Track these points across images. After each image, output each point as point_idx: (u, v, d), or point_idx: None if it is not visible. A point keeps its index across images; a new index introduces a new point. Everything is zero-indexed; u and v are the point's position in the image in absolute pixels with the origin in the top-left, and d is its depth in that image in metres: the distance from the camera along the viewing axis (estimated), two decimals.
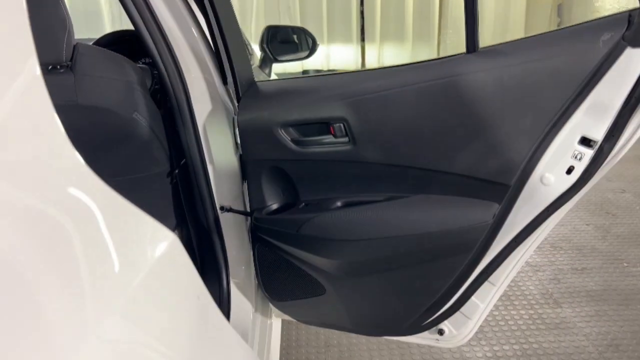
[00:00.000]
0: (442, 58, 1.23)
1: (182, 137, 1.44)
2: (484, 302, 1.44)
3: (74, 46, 1.29)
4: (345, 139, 1.30)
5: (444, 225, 1.28)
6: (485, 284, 1.38)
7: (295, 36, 2.43)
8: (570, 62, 1.18)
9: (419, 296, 1.43)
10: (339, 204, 1.39)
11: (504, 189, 1.24)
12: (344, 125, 1.29)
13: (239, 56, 1.36)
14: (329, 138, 1.31)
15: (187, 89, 1.40)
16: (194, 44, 1.42)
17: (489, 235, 1.29)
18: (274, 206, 1.44)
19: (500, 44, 1.24)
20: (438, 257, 1.34)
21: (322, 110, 1.31)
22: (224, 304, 1.57)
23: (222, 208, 1.51)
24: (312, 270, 1.49)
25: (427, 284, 1.40)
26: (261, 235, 1.49)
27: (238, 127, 1.38)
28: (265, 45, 2.34)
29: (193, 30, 1.42)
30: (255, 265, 1.58)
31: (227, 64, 1.43)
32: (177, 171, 1.55)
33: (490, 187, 1.25)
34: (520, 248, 1.32)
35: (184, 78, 1.39)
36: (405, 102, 1.23)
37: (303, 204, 1.43)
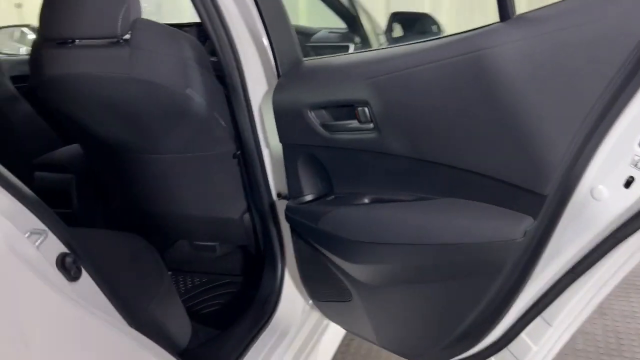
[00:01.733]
0: (472, 30, 1.01)
1: (236, 118, 1.41)
2: (537, 344, 1.20)
3: (134, 21, 1.27)
4: (370, 125, 1.15)
5: (467, 237, 1.08)
6: (538, 321, 1.16)
7: (420, 22, 2.42)
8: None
9: (446, 319, 1.25)
10: (365, 199, 1.26)
11: (539, 199, 0.99)
12: (368, 110, 1.14)
13: (281, 33, 1.28)
14: (354, 123, 1.18)
15: (242, 66, 1.35)
16: (250, 21, 1.35)
17: (526, 256, 1.06)
18: (309, 196, 1.36)
19: (542, 7, 0.96)
20: (461, 274, 1.16)
21: (345, 91, 1.17)
22: (274, 295, 1.53)
23: (279, 195, 1.46)
24: (338, 271, 1.39)
25: (453, 305, 1.22)
26: (293, 226, 1.42)
27: (273, 108, 1.29)
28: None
29: (250, 5, 1.35)
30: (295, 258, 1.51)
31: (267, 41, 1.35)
32: (239, 153, 1.51)
33: (522, 196, 1.00)
34: (583, 283, 1.07)
35: (238, 55, 1.34)
36: (428, 82, 1.03)
37: (333, 196, 1.33)
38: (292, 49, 1.29)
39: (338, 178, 1.30)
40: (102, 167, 1.76)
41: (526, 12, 0.95)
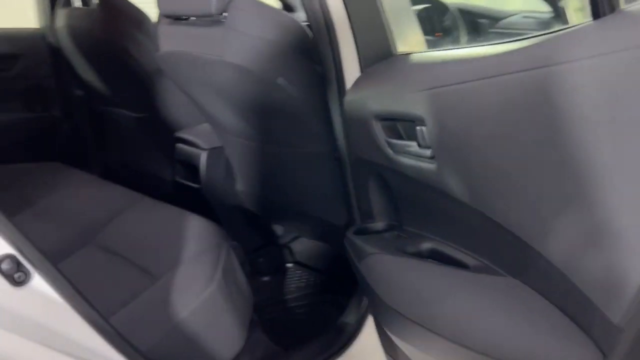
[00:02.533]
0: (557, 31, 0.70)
1: (330, 115, 1.20)
2: None
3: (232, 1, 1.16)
4: (428, 152, 0.89)
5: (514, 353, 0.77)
6: None
7: None
8: None
9: None
10: (428, 247, 0.98)
11: (611, 329, 0.67)
12: (425, 130, 0.87)
13: (366, 22, 1.02)
14: (414, 146, 0.92)
15: (339, 55, 1.14)
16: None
17: None
18: (378, 225, 1.07)
19: None
20: None
21: (402, 101, 0.91)
22: (352, 326, 1.33)
23: None
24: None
25: None
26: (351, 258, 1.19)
27: (343, 110, 1.10)
28: None
29: None
30: None
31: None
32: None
33: (593, 314, 0.70)
34: None
35: (336, 41, 1.13)
36: (489, 102, 0.73)
37: (400, 233, 1.08)
38: (380, 38, 1.02)
39: (406, 210, 1.03)
40: (224, 148, 1.74)
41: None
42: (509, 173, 0.72)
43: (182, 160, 1.90)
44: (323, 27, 1.15)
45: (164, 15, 1.41)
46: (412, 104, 0.87)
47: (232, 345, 1.25)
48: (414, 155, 0.93)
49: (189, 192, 1.91)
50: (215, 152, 1.84)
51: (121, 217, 1.56)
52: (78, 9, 1.97)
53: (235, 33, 1.26)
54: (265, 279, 1.95)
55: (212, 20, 1.30)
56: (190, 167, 1.89)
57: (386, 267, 0.98)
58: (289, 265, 1.99)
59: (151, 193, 2.30)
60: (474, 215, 0.83)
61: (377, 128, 0.97)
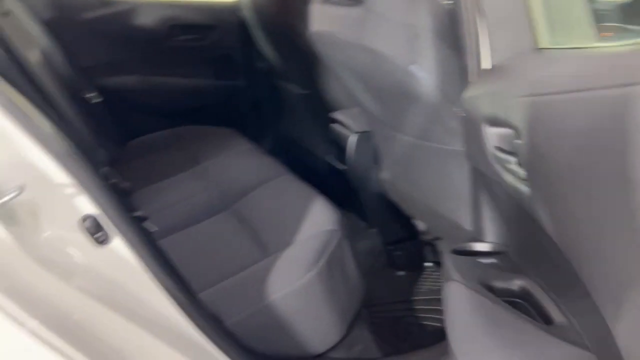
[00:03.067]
0: None
1: None
2: None
3: None
4: (521, 172, 0.74)
5: None
6: None
7: None
8: None
9: None
10: (515, 282, 0.82)
11: None
12: (520, 144, 0.71)
13: (506, 6, 0.84)
14: (514, 162, 0.77)
15: (478, 44, 1.01)
16: None
17: None
18: (483, 246, 0.90)
19: None
20: None
21: (507, 107, 0.75)
22: None
23: None
24: None
25: None
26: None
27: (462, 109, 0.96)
28: None
29: None
30: None
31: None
32: None
33: None
34: None
35: (476, 30, 1.00)
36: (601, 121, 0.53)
37: (496, 260, 0.87)
38: (520, 26, 0.86)
39: (512, 235, 0.85)
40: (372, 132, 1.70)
41: None
42: (600, 227, 0.54)
43: (334, 140, 1.90)
44: (468, 9, 1.01)
45: None
46: (513, 110, 0.71)
47: (325, 337, 1.22)
48: (513, 173, 0.77)
49: (335, 173, 1.91)
50: (364, 136, 1.80)
51: (260, 189, 1.62)
52: None
53: (374, 15, 1.19)
54: (400, 273, 1.88)
55: (355, 0, 1.25)
56: (340, 148, 1.88)
57: (460, 301, 0.84)
58: (428, 264, 1.87)
59: (304, 169, 2.38)
60: (565, 262, 0.65)
61: (486, 134, 0.83)
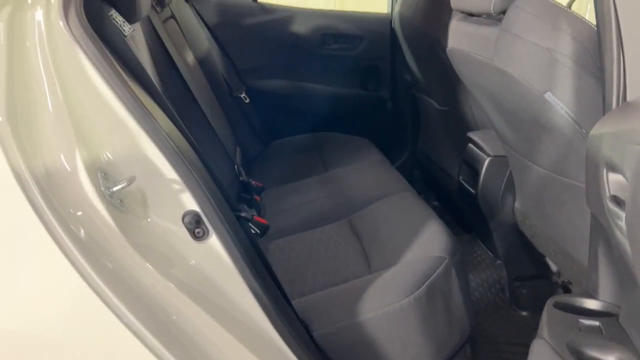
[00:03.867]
0: None
1: None
2: None
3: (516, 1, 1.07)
4: (622, 214, 0.66)
5: None
6: None
7: None
8: None
9: None
10: (612, 354, 0.73)
11: None
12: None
13: None
14: (623, 217, 0.68)
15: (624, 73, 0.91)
16: None
17: None
18: (590, 303, 0.77)
19: None
20: None
21: (624, 152, 0.66)
22: None
23: None
24: None
25: None
26: None
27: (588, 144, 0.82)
28: None
29: None
30: None
31: None
32: None
33: None
34: None
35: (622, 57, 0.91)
36: None
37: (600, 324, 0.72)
38: None
39: (625, 296, 0.74)
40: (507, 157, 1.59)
41: None
42: None
43: (468, 161, 1.81)
44: (613, 33, 0.89)
45: (454, 9, 1.35)
46: (627, 156, 0.60)
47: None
48: (621, 230, 0.65)
49: (466, 196, 1.82)
50: (498, 161, 1.69)
51: (379, 202, 1.61)
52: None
53: (509, 35, 1.11)
54: (523, 313, 1.72)
55: (491, 19, 1.18)
56: (474, 170, 1.78)
57: None
58: None
59: (435, 186, 2.29)
60: None
61: (604, 179, 0.72)
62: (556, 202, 1.32)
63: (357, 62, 2.41)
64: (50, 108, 0.79)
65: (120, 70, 0.87)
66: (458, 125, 1.91)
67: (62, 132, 0.79)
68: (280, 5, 2.37)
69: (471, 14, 1.30)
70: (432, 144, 2.22)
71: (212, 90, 1.97)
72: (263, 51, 2.35)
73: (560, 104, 1.06)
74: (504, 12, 1.13)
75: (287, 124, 2.41)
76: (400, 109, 2.46)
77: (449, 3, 1.81)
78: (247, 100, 2.25)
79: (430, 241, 1.33)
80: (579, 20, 1.04)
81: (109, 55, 0.86)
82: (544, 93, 1.07)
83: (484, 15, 1.24)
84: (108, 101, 0.83)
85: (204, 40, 2.10)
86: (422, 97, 2.17)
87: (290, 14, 2.33)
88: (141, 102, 0.87)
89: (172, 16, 1.81)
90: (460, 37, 1.32)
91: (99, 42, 0.85)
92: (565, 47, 1.02)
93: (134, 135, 0.84)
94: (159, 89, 1.00)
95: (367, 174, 1.87)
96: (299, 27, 2.34)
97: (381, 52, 2.39)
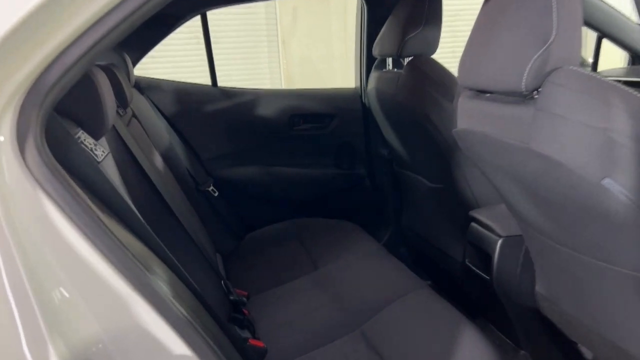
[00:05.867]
0: None
1: None
2: None
3: (551, 72, 0.91)
4: None
5: None
6: None
7: None
8: None
9: None
10: None
11: None
12: None
13: None
14: None
15: None
16: None
17: None
18: None
19: None
20: None
21: None
22: None
23: None
24: None
25: None
26: None
27: None
28: None
29: None
30: None
31: None
32: None
33: None
34: None
35: None
36: None
37: None
38: None
39: None
40: (525, 239, 1.44)
41: None
42: None
43: (474, 243, 1.65)
44: None
45: (464, 87, 1.21)
46: None
47: None
48: None
49: (475, 280, 1.64)
50: (512, 242, 1.54)
51: (394, 305, 1.40)
52: (388, 72, 1.93)
53: (548, 116, 0.97)
54: None
55: (518, 97, 1.04)
56: (482, 253, 1.62)
57: None
58: None
59: (436, 271, 2.12)
60: None
61: None
62: (601, 290, 1.17)
63: (330, 140, 2.25)
64: (9, 293, 0.55)
65: (99, 214, 0.65)
66: (454, 203, 1.76)
67: (29, 326, 0.54)
68: (243, 88, 2.21)
69: (482, 91, 1.16)
70: (423, 221, 2.06)
71: (178, 189, 1.74)
72: (228, 138, 2.15)
73: (621, 189, 0.91)
74: (536, 90, 0.99)
75: (262, 213, 2.19)
76: (379, 185, 2.31)
77: (436, 77, 1.70)
78: (216, 194, 2.02)
79: (469, 353, 1.13)
80: (630, 94, 0.91)
81: (83, 196, 0.64)
82: (602, 180, 0.92)
83: (489, 94, 1.11)
84: (87, 262, 0.60)
85: (164, 133, 1.89)
86: (406, 174, 2.03)
87: (254, 97, 2.17)
88: (131, 254, 0.64)
89: (134, 115, 1.60)
90: (476, 117, 1.17)
91: (67, 182, 0.62)
92: (622, 126, 0.89)
93: (127, 307, 0.61)
94: (139, 217, 0.77)
95: (366, 269, 1.67)
96: (265, 110, 2.17)
97: (354, 128, 2.25)
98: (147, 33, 1.90)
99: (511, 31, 1.02)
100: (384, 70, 1.99)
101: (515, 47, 1.00)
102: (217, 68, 2.15)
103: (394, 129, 1.92)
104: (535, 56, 0.95)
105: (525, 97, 1.01)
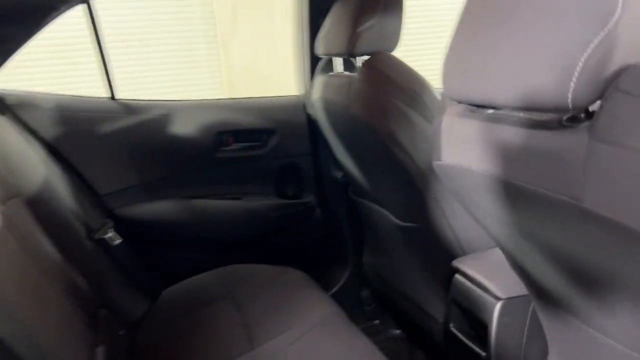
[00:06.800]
0: None
1: None
2: None
3: (616, 79, 0.52)
4: None
5: None
6: None
7: None
8: None
9: None
10: None
11: None
12: None
13: None
14: None
15: None
16: None
17: None
18: None
19: None
20: None
21: None
22: None
23: None
24: None
25: None
26: None
27: None
28: None
29: None
30: None
31: None
32: None
33: None
34: None
35: None
36: None
37: None
38: None
39: None
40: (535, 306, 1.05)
41: None
42: None
43: (462, 304, 1.23)
44: None
45: (451, 100, 0.78)
46: None
47: None
48: None
49: (468, 355, 1.22)
50: (515, 305, 1.13)
51: None
52: (337, 75, 1.49)
53: (620, 152, 0.53)
54: None
55: (556, 118, 0.60)
56: (473, 318, 1.20)
57: None
58: None
59: (412, 325, 1.70)
60: None
61: None
62: None
63: (269, 162, 1.79)
64: None
65: None
66: (431, 246, 1.33)
67: None
68: (152, 101, 1.71)
69: (488, 106, 0.72)
70: (391, 265, 1.62)
71: (56, 247, 1.24)
72: (133, 165, 1.65)
73: None
74: (587, 113, 0.56)
75: (181, 262, 1.71)
76: (333, 216, 1.86)
77: (402, 82, 1.26)
78: (118, 241, 1.52)
79: None
80: None
81: None
82: None
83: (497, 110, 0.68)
84: None
85: (37, 167, 1.38)
86: (368, 205, 1.59)
87: (167, 111, 1.68)
88: None
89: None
90: (474, 147, 0.73)
91: None
92: None
93: None
94: None
95: (321, 349, 1.21)
96: (183, 127, 1.69)
97: (299, 146, 1.80)
98: (9, 30, 1.40)
99: (536, 11, 0.60)
100: (331, 74, 1.55)
101: (547, 35, 0.57)
102: (147, 75, 1.66)
103: (349, 150, 1.48)
104: (590, 49, 0.53)
105: (571, 120, 0.58)
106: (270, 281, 1.54)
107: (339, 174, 1.81)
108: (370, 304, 1.94)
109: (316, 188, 1.85)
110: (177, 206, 1.72)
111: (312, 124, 1.75)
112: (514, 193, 0.68)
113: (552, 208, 0.62)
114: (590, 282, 0.74)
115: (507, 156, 0.67)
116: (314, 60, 1.66)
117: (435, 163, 0.86)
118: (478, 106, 0.73)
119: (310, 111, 1.73)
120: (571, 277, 0.76)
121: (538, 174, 0.63)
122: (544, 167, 0.62)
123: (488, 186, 0.73)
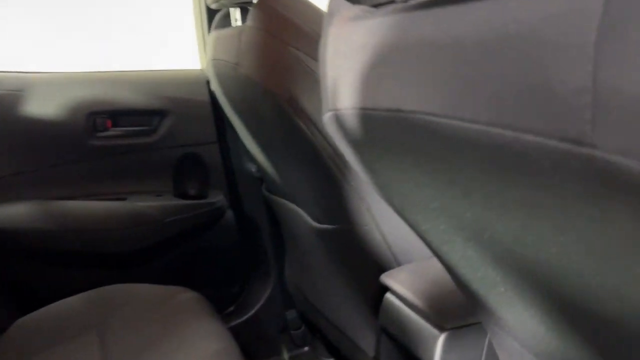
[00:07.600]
0: None
1: None
2: None
3: None
4: None
5: None
6: None
7: None
8: None
9: None
10: None
11: None
12: None
13: None
14: None
15: None
16: None
17: None
18: None
19: None
20: None
21: None
22: None
23: None
24: None
25: None
26: None
27: None
28: None
29: None
30: None
31: None
32: None
33: None
34: None
35: None
36: None
37: None
38: None
39: None
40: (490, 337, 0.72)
41: None
42: None
43: (393, 334, 0.89)
44: None
45: None
46: None
47: None
48: None
49: None
50: (464, 338, 0.81)
51: None
52: (225, 32, 1.13)
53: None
54: None
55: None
56: (406, 352, 0.87)
57: None
58: None
59: (327, 342, 1.37)
60: None
61: None
62: None
63: (162, 153, 1.42)
64: None
65: None
66: (356, 255, 0.99)
67: None
68: (3, 72, 1.32)
69: None
70: (311, 281, 1.27)
71: None
72: None
73: None
74: None
75: (42, 283, 1.32)
76: (248, 219, 1.51)
77: (304, 25, 0.92)
78: None
79: None
80: None
81: None
82: None
83: None
84: None
85: None
86: (282, 203, 1.24)
87: (21, 85, 1.30)
88: None
89: None
90: (403, 70, 0.39)
91: None
92: None
93: None
94: None
95: None
96: (43, 106, 1.30)
97: (201, 132, 1.44)
98: None
99: None
100: (220, 30, 1.19)
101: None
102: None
103: (249, 129, 1.13)
104: None
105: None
106: (155, 306, 1.17)
107: (253, 167, 1.46)
108: (298, 326, 1.59)
109: (226, 185, 1.49)
110: (37, 210, 1.32)
111: (216, 103, 1.39)
112: (474, 153, 0.34)
113: (539, 175, 0.28)
114: (584, 316, 0.41)
115: (462, 75, 0.32)
116: (211, 15, 1.31)
117: (328, 115, 0.52)
118: None
119: (214, 87, 1.37)
120: (550, 304, 0.43)
121: (517, 104, 0.28)
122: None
123: (426, 144, 0.39)
